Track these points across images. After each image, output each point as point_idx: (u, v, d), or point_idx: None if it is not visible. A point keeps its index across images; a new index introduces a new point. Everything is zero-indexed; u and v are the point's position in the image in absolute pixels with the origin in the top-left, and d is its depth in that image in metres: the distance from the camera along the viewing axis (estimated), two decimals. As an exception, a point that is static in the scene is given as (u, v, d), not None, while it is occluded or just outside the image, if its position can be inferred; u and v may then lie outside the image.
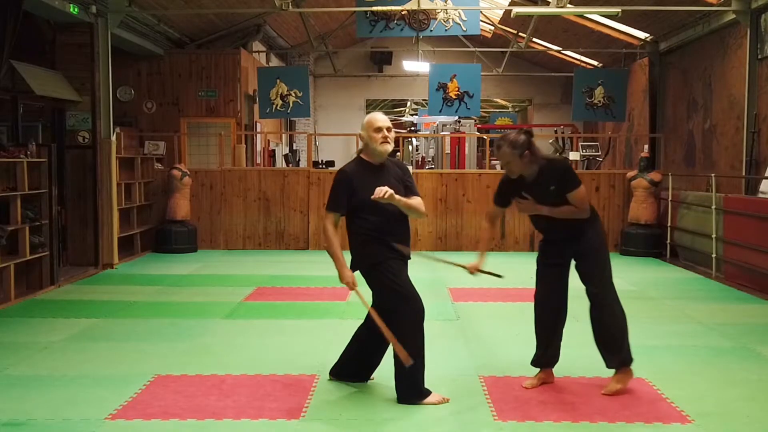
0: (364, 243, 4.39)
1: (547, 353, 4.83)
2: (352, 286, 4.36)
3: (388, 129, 4.46)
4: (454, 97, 12.95)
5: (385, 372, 4.65)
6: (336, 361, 4.84)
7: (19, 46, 8.19)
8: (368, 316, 4.72)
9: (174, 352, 5.61)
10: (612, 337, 4.68)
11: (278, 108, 12.97)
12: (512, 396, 4.58)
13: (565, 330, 6.52)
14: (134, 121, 12.76)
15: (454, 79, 12.96)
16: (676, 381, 4.86)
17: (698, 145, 11.52)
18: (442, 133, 15.38)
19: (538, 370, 4.86)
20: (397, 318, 4.35)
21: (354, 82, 19.16)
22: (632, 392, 4.66)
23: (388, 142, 4.45)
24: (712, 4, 10.32)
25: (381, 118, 4.48)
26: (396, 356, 4.39)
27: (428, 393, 4.43)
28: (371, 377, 4.81)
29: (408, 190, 4.49)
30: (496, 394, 4.60)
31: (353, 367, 4.77)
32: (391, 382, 4.47)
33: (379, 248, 4.38)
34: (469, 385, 4.80)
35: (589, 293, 4.69)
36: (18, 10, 7.64)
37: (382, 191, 4.26)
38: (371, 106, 23.68)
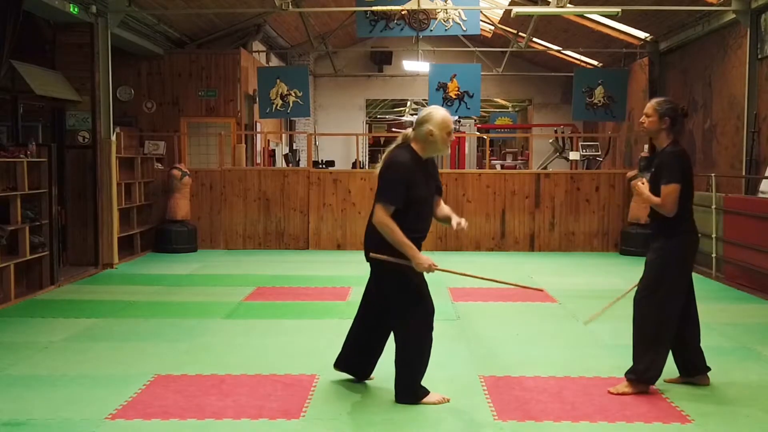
0: None
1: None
2: (433, 267, 4.21)
3: None
4: (454, 96, 12.95)
5: (385, 372, 4.65)
6: (339, 352, 4.83)
7: (19, 46, 8.19)
8: (361, 311, 4.70)
9: (174, 352, 5.62)
10: (634, 345, 4.67)
11: (278, 108, 12.98)
12: (512, 396, 4.58)
13: (564, 330, 6.54)
14: (134, 121, 12.76)
15: (454, 79, 12.96)
16: (676, 381, 4.86)
17: (698, 145, 11.52)
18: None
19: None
20: (409, 317, 4.35)
21: (354, 82, 19.16)
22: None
23: None
24: (712, 4, 10.32)
25: (451, 120, 4.42)
26: (397, 355, 4.40)
27: (426, 393, 4.42)
28: (371, 376, 4.81)
29: (438, 189, 4.54)
30: (496, 394, 4.60)
31: (354, 358, 4.75)
32: (391, 382, 4.47)
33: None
34: (469, 385, 4.80)
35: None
36: (18, 10, 7.64)
37: (463, 223, 4.36)
38: (371, 106, 23.70)
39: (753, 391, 4.71)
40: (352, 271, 9.22)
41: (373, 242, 4.32)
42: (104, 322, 6.61)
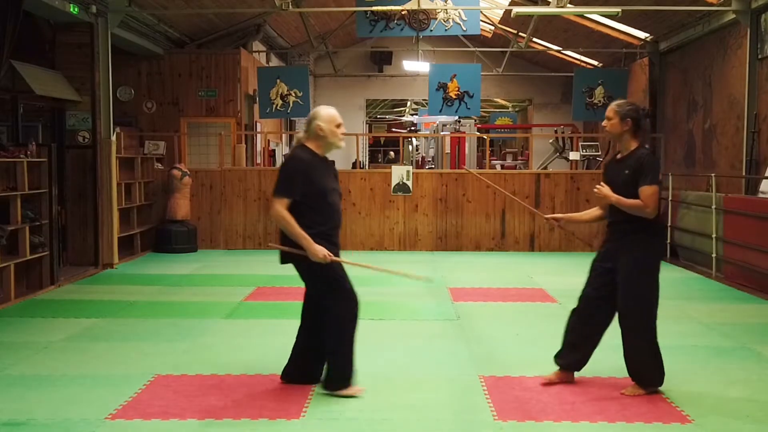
0: (312, 236, 4.39)
1: (568, 355, 4.78)
2: (328, 257, 4.37)
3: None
4: (454, 96, 12.95)
5: (386, 371, 4.65)
6: (287, 364, 4.83)
7: (19, 46, 8.19)
8: (305, 321, 4.75)
9: (174, 352, 5.62)
10: (630, 360, 4.63)
11: (278, 108, 12.98)
12: (512, 396, 4.58)
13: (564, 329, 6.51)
14: (134, 121, 12.76)
15: (454, 79, 12.96)
16: (676, 381, 4.85)
17: (698, 145, 11.52)
18: (442, 133, 15.38)
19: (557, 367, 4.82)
20: (335, 312, 4.47)
21: (354, 82, 19.15)
22: (632, 392, 4.65)
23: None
24: (712, 4, 10.32)
25: (339, 115, 4.60)
26: (327, 345, 4.50)
27: (350, 383, 4.50)
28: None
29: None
30: (496, 394, 4.60)
31: (296, 367, 4.77)
32: (392, 382, 4.47)
33: (327, 244, 4.43)
34: (469, 385, 4.80)
35: (617, 307, 4.60)
36: (18, 10, 7.64)
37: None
38: (371, 105, 23.69)
39: (753, 392, 4.71)
40: (352, 270, 9.19)
41: (287, 238, 4.49)
42: (104, 322, 6.61)
